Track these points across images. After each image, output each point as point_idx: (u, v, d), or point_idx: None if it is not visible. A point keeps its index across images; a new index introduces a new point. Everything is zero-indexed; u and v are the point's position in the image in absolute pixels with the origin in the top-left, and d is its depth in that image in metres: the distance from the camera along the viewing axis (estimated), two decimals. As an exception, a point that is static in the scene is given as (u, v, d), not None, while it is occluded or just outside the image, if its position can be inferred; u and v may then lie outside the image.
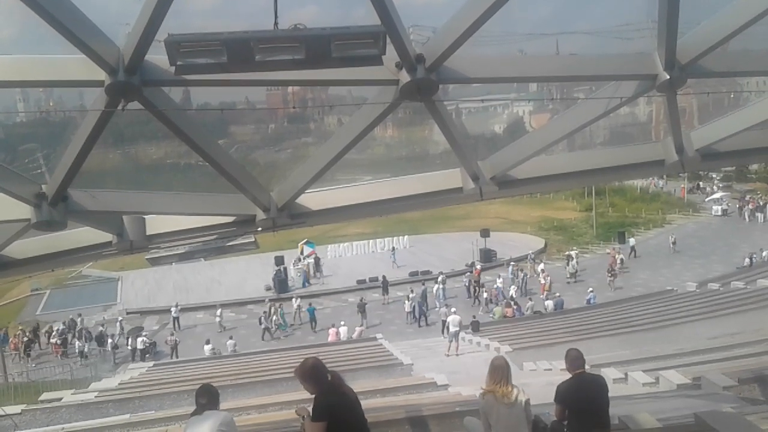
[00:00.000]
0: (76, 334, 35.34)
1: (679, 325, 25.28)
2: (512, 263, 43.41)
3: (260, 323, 35.01)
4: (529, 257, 45.75)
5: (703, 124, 8.66)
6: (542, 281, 38.37)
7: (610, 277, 38.80)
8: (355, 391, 5.53)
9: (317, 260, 45.34)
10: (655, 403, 12.07)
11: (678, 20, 5.97)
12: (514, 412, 6.13)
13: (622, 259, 43.55)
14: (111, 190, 7.91)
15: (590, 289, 36.14)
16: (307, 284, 43.77)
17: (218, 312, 37.32)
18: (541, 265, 42.88)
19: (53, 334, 35.03)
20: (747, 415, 8.11)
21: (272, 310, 35.62)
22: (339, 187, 8.70)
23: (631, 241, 49.91)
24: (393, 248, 47.84)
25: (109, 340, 33.63)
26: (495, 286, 38.87)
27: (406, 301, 35.80)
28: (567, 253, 45.68)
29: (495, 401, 6.14)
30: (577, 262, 43.90)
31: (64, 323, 36.86)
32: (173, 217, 8.44)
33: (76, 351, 33.31)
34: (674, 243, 48.01)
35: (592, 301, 35.18)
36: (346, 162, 7.68)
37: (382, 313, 36.95)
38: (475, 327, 29.31)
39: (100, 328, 35.48)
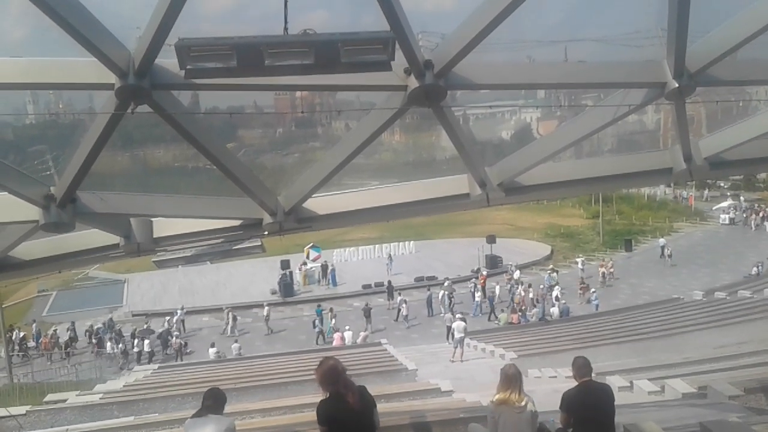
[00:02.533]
0: (113, 335, 35.61)
1: (685, 334, 25.16)
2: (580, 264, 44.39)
3: (314, 326, 34.79)
4: (510, 269, 44.28)
5: (712, 133, 8.64)
6: (522, 293, 37.70)
7: (580, 290, 38.25)
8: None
9: (324, 266, 45.35)
10: (661, 412, 12.00)
11: (688, 28, 5.96)
12: (522, 421, 6.14)
13: (603, 273, 42.32)
14: (119, 192, 7.94)
15: (593, 289, 36.72)
16: (334, 284, 44.24)
17: (176, 316, 37.28)
18: (517, 273, 42.29)
19: (94, 332, 35.64)
20: (753, 424, 8.07)
21: (331, 313, 35.46)
22: (346, 192, 8.72)
23: (661, 241, 50.10)
24: (389, 255, 47.79)
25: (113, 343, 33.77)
26: (540, 285, 39.30)
27: (404, 305, 36.19)
28: (550, 266, 44.76)
29: (506, 408, 6.15)
30: (583, 268, 43.71)
31: (103, 324, 37.35)
32: (180, 220, 8.46)
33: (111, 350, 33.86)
34: (670, 256, 46.66)
35: (595, 303, 35.67)
36: (354, 167, 7.69)
37: (387, 318, 36.90)
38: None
39: (144, 326, 36.00)
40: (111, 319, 37.71)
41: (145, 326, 36.12)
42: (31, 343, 35.85)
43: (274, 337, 35.97)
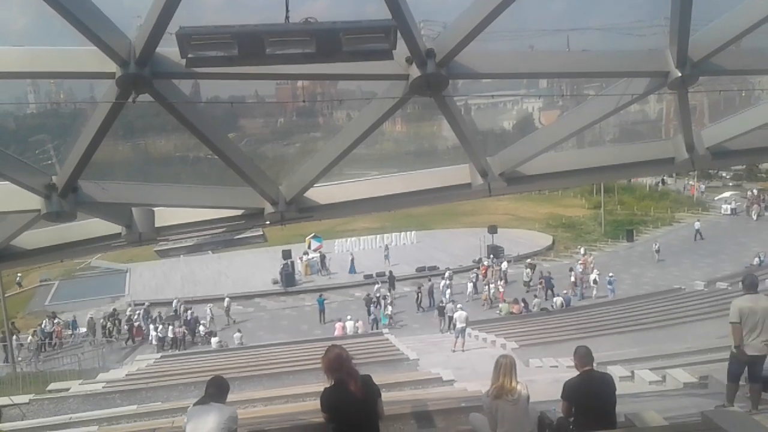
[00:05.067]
0: (155, 321, 36.06)
1: (687, 324, 25.15)
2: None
3: (369, 314, 34.77)
4: (484, 262, 42.99)
5: (714, 122, 8.62)
6: (501, 289, 37.12)
7: (541, 287, 37.71)
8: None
9: (323, 257, 45.53)
10: (662, 402, 12.01)
11: (691, 17, 5.94)
12: (518, 409, 6.15)
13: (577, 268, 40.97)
14: (121, 182, 7.95)
15: (611, 273, 37.23)
16: (353, 272, 44.02)
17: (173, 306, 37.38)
18: (504, 264, 41.51)
19: (135, 318, 36.38)
20: (754, 414, 8.08)
21: (385, 300, 35.47)
22: (347, 182, 8.72)
23: (697, 224, 51.06)
24: (386, 246, 47.76)
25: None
26: (579, 269, 39.38)
27: (387, 297, 36.33)
28: (528, 261, 43.37)
29: (499, 398, 6.17)
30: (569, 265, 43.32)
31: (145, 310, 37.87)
32: (182, 210, 8.47)
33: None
34: (658, 251, 45.44)
35: (612, 283, 36.30)
36: (355, 157, 7.69)
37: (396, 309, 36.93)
38: (440, 312, 31.17)
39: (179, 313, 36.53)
40: (147, 308, 37.96)
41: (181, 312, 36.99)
42: (67, 331, 36.32)
43: (275, 326, 36.04)
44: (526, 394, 6.21)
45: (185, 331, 33.57)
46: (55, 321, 36.01)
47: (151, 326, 34.68)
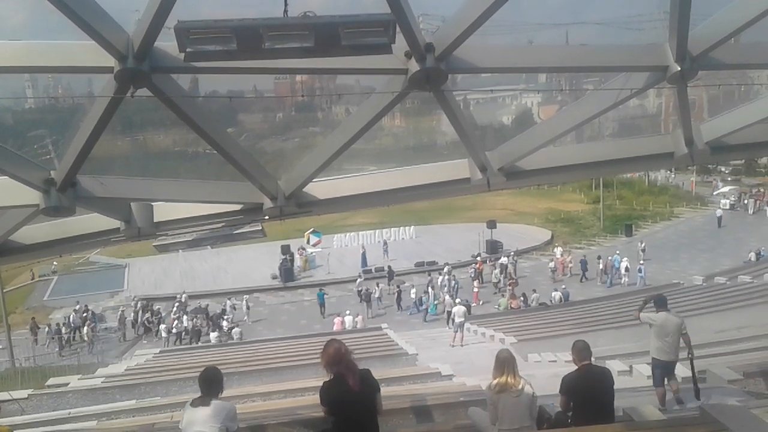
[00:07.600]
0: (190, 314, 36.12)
1: (685, 319, 24.98)
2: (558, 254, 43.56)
3: (421, 304, 34.95)
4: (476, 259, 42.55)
5: (713, 117, 8.62)
6: (475, 289, 37.03)
7: (509, 286, 37.25)
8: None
9: (291, 258, 44.58)
10: (660, 396, 12.02)
11: (690, 11, 5.92)
12: (520, 403, 6.18)
13: (552, 269, 40.98)
14: (119, 176, 7.94)
15: (641, 261, 38.11)
16: (365, 265, 43.73)
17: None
18: (503, 259, 40.99)
19: (173, 311, 36.43)
20: (752, 408, 8.09)
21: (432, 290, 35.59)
22: (346, 177, 8.71)
23: (718, 212, 52.57)
24: (385, 241, 47.75)
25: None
26: (611, 257, 39.98)
27: (376, 288, 36.54)
28: (500, 261, 41.67)
29: (502, 392, 6.20)
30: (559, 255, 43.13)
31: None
32: (181, 205, 8.47)
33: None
34: (643, 250, 43.90)
35: (643, 272, 37.10)
36: (354, 152, 7.68)
37: (387, 303, 36.95)
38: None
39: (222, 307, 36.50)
40: (182, 300, 37.91)
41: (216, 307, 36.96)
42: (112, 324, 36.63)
43: (274, 321, 36.05)
44: (529, 392, 6.24)
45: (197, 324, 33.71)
46: (85, 314, 35.84)
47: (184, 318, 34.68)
